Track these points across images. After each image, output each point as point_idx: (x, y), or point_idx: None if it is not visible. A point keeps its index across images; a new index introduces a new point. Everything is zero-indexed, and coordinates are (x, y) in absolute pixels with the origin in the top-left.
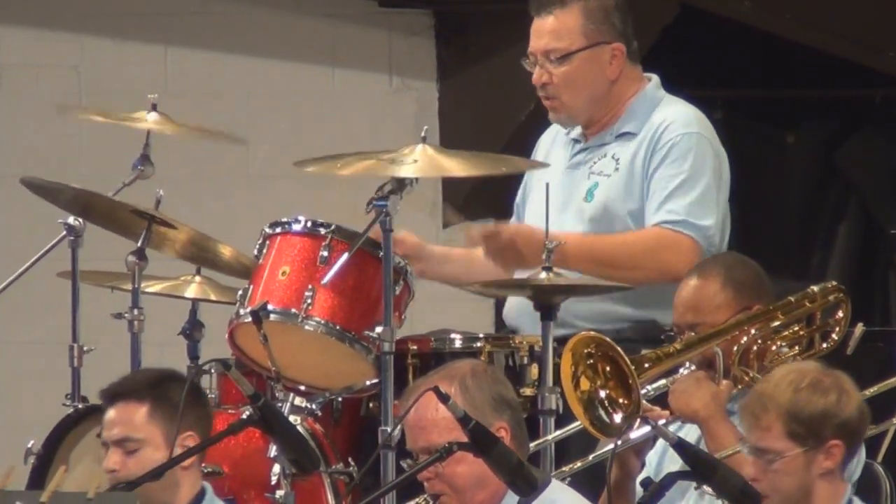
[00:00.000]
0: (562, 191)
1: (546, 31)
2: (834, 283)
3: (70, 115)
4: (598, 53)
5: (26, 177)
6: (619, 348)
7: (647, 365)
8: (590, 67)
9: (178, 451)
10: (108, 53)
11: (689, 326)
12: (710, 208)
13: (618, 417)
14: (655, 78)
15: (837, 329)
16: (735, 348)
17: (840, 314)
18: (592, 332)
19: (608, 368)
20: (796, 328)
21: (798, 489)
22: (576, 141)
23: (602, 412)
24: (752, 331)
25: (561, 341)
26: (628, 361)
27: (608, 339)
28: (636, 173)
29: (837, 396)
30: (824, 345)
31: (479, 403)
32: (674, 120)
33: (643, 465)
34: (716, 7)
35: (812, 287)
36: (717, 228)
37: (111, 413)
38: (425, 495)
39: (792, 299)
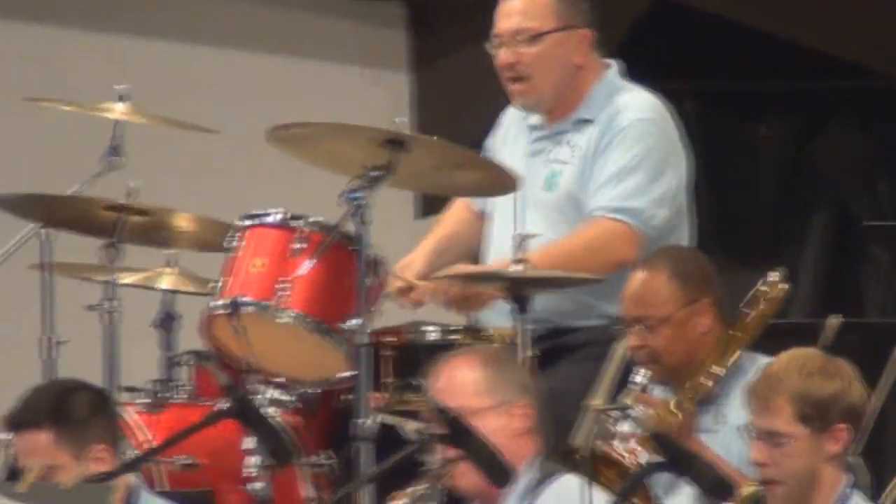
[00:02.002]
0: (522, 179)
1: (516, 11)
2: (776, 275)
3: (37, 106)
4: (568, 37)
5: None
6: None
7: None
8: (560, 50)
9: (91, 464)
10: (74, 45)
11: (635, 320)
12: (646, 191)
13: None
14: (615, 65)
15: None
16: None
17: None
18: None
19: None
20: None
21: (806, 472)
22: (533, 128)
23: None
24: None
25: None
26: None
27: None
28: (590, 159)
29: (845, 382)
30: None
31: (509, 380)
32: (628, 106)
33: None
34: None
35: (759, 288)
36: (656, 209)
37: (18, 442)
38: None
39: (748, 312)
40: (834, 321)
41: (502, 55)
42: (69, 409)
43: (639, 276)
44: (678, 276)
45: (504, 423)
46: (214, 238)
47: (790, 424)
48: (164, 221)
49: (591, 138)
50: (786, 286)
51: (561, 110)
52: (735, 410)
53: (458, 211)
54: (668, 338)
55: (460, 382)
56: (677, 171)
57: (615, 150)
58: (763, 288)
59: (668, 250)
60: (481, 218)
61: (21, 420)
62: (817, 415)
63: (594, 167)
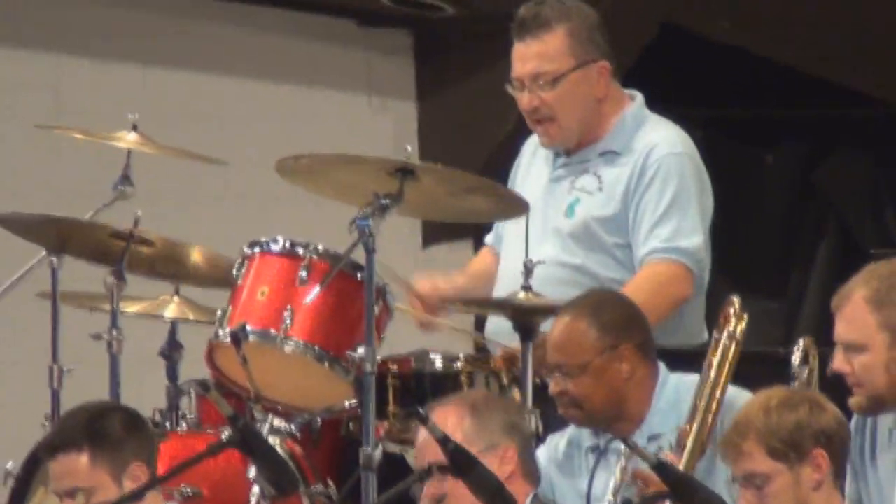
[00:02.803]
0: (543, 205)
1: (532, 54)
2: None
3: (48, 134)
4: (586, 73)
5: (3, 214)
6: None
7: None
8: (580, 87)
9: (128, 482)
10: (86, 74)
11: (556, 366)
12: (695, 229)
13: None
14: (640, 96)
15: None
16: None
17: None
18: None
19: None
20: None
21: None
22: (557, 155)
23: None
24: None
25: None
26: None
27: None
28: (618, 195)
29: (808, 408)
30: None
31: (490, 426)
32: (659, 143)
33: None
34: (695, 26)
35: (716, 337)
36: (705, 247)
37: (54, 466)
38: None
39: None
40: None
41: (525, 100)
42: (104, 429)
43: (559, 323)
44: (597, 324)
45: (496, 467)
46: (222, 274)
47: (765, 463)
48: (172, 253)
49: (622, 173)
50: (744, 317)
51: (583, 140)
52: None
53: (483, 256)
54: (587, 385)
55: (450, 433)
56: (710, 203)
57: (654, 190)
58: (727, 329)
59: (590, 296)
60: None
61: (58, 443)
62: (788, 447)
63: (637, 209)
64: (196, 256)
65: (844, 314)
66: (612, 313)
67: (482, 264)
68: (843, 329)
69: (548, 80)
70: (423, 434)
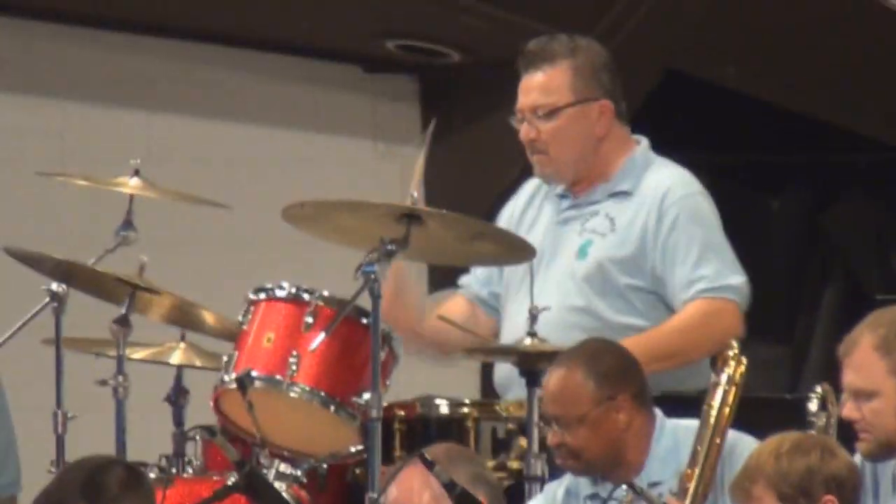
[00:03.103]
0: (548, 246)
1: (534, 87)
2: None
3: (52, 180)
4: (585, 110)
5: (10, 246)
6: None
7: None
8: (577, 124)
9: None
10: (91, 120)
11: (553, 418)
12: (735, 265)
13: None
14: (645, 140)
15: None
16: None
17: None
18: None
19: None
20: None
21: None
22: (562, 197)
23: None
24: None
25: None
26: None
27: None
28: (633, 237)
29: (819, 454)
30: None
31: (457, 479)
32: (672, 183)
33: None
34: (700, 72)
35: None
36: (745, 279)
37: None
38: None
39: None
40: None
41: (523, 130)
42: (101, 485)
43: (556, 374)
44: (593, 375)
45: None
46: (229, 332)
47: None
48: (178, 304)
49: (636, 214)
50: (743, 360)
51: (590, 181)
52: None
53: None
54: (584, 437)
55: (418, 493)
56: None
57: (681, 233)
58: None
59: (585, 345)
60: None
61: (54, 498)
62: (798, 493)
63: (665, 254)
64: (205, 317)
65: (852, 361)
66: (608, 364)
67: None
68: (851, 376)
69: (544, 113)
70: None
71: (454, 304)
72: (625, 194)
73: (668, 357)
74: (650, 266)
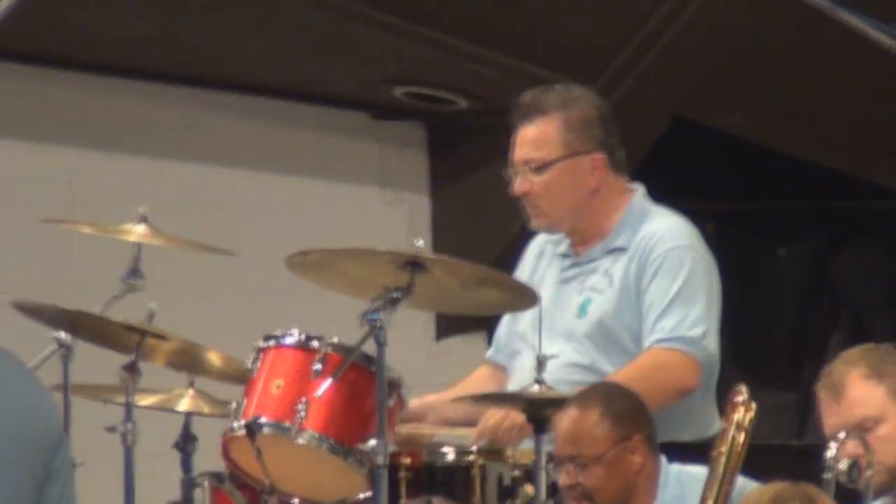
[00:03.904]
0: (553, 307)
1: (527, 140)
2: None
3: (59, 227)
4: (577, 163)
5: (18, 300)
6: None
7: None
8: (568, 177)
9: None
10: (98, 166)
11: (567, 458)
12: (700, 319)
13: None
14: (641, 188)
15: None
16: None
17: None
18: None
19: None
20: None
21: None
22: (565, 256)
23: None
24: None
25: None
26: None
27: None
28: (630, 289)
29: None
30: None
31: None
32: (663, 233)
33: None
34: (707, 119)
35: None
36: (712, 337)
37: None
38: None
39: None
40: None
41: (516, 184)
42: None
43: (570, 415)
44: (609, 414)
45: None
46: (237, 374)
47: None
48: (187, 349)
49: (627, 268)
50: (752, 406)
51: (590, 236)
52: None
53: (480, 372)
54: (600, 477)
55: None
56: (717, 293)
57: (658, 283)
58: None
59: (599, 387)
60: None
61: None
62: None
63: (640, 304)
64: (212, 359)
65: (847, 399)
66: (622, 405)
67: (479, 380)
68: (849, 413)
69: (536, 166)
70: None
71: (480, 375)
72: (621, 250)
73: None
74: (638, 318)
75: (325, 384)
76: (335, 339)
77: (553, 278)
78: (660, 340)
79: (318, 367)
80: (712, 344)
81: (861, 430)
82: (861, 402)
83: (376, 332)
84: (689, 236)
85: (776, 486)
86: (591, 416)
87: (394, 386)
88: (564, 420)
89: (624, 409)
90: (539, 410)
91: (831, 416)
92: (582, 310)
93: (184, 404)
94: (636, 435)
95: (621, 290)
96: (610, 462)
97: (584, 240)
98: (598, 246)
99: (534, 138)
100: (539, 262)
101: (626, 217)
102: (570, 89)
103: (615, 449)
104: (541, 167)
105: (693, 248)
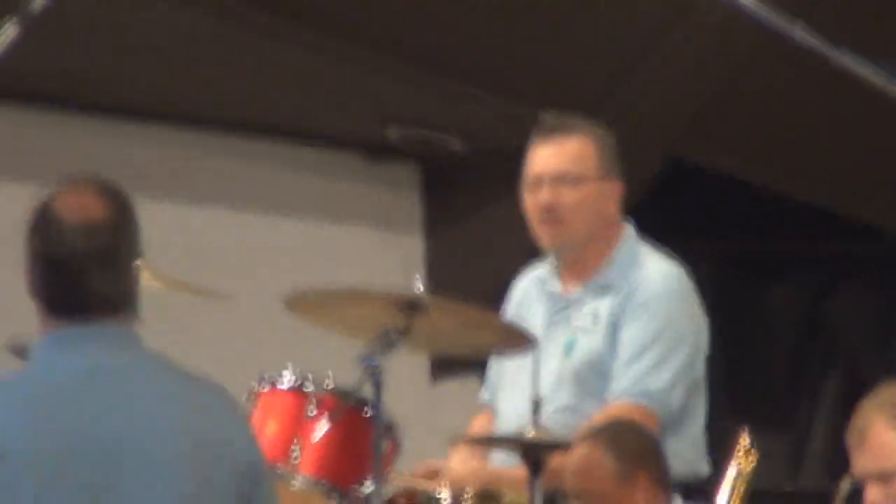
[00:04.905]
0: (542, 347)
1: (560, 153)
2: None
3: None
4: (607, 187)
5: (11, 342)
6: None
7: None
8: (597, 198)
9: None
10: None
11: (574, 494)
12: (670, 371)
13: None
14: (630, 227)
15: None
16: None
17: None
18: None
19: None
20: None
21: None
22: (553, 295)
23: None
24: None
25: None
26: None
27: None
28: (612, 332)
29: None
30: None
31: None
32: (647, 279)
33: None
34: (703, 160)
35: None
36: (671, 387)
37: None
38: None
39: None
40: (846, 485)
41: (543, 195)
42: None
43: (578, 451)
44: (615, 451)
45: None
46: None
47: None
48: None
49: (612, 308)
50: (753, 452)
51: (581, 269)
52: None
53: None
54: None
55: None
56: (695, 343)
57: (633, 326)
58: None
59: (610, 425)
60: None
61: None
62: None
63: (618, 344)
64: None
65: (870, 447)
66: (629, 443)
67: (482, 428)
68: (872, 462)
69: (572, 178)
70: None
71: (480, 423)
72: (609, 288)
73: None
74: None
75: (323, 428)
76: (329, 382)
77: (540, 318)
78: (625, 391)
79: (312, 409)
80: (677, 399)
81: (881, 480)
82: (882, 452)
83: (373, 374)
84: (677, 281)
85: None
86: (597, 452)
87: (388, 429)
88: (574, 455)
89: (631, 447)
90: (535, 453)
91: (857, 459)
92: (568, 348)
93: None
94: (641, 472)
95: (606, 330)
96: (614, 498)
97: (576, 272)
98: (587, 283)
99: (573, 152)
100: (523, 302)
101: (616, 255)
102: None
103: (619, 486)
104: (578, 180)
105: (678, 295)
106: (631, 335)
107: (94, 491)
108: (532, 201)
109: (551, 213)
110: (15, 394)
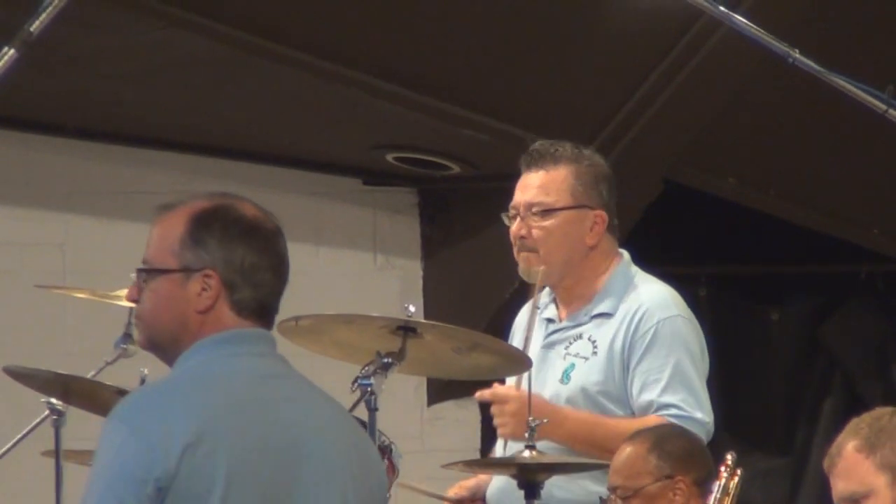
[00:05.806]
0: (538, 372)
1: (534, 185)
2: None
3: (52, 292)
4: (581, 216)
5: (9, 366)
6: None
7: None
8: (571, 227)
9: None
10: (91, 232)
11: (612, 488)
12: (702, 398)
13: None
14: (626, 254)
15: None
16: None
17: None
18: None
19: None
20: None
21: None
22: (549, 321)
23: None
24: None
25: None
26: None
27: None
28: (615, 358)
29: None
30: None
31: None
32: (651, 304)
33: None
34: (700, 184)
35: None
36: (710, 414)
37: None
38: None
39: None
40: None
41: (515, 226)
42: None
43: (624, 448)
44: (657, 452)
45: None
46: None
47: None
48: None
49: (613, 336)
50: (738, 472)
51: (575, 297)
52: None
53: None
54: None
55: None
56: (707, 360)
57: (653, 356)
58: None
59: (657, 427)
60: None
61: None
62: None
63: (636, 374)
64: None
65: (840, 471)
66: (673, 445)
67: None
68: (842, 485)
69: (540, 210)
70: None
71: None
72: (606, 315)
73: (601, 448)
74: (627, 392)
75: None
76: None
77: (538, 344)
78: (677, 417)
79: None
80: (711, 422)
81: (852, 503)
82: (848, 476)
83: (368, 397)
84: (677, 306)
85: None
86: (641, 450)
87: (384, 452)
88: (619, 452)
89: (674, 449)
90: (531, 476)
91: (833, 485)
92: (565, 375)
93: None
94: (680, 475)
95: (606, 357)
96: (649, 496)
97: (569, 300)
98: (583, 310)
99: (543, 183)
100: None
101: (611, 281)
102: (580, 147)
103: (656, 485)
104: (546, 212)
105: (682, 317)
106: (652, 365)
107: (274, 490)
108: (511, 231)
109: (523, 243)
110: (215, 383)
